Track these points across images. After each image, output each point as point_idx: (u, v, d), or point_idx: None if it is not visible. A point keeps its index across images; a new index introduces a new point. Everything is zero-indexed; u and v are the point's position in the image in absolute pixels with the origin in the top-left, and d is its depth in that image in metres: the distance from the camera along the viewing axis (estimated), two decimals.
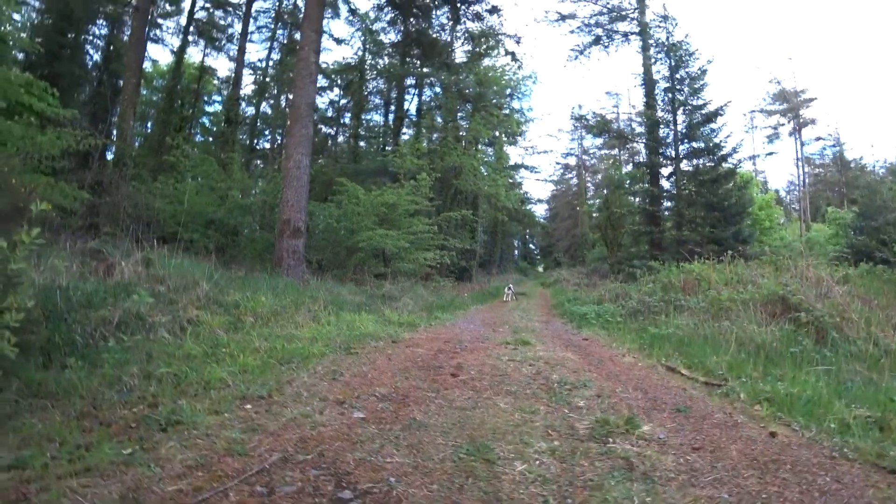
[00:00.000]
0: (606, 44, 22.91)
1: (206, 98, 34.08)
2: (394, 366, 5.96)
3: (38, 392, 3.72)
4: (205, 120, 35.23)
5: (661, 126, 20.24)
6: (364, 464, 3.08)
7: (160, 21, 29.54)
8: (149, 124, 33.18)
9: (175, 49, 29.44)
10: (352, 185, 15.18)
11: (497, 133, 27.85)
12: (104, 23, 25.85)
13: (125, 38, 23.22)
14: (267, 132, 36.03)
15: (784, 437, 3.95)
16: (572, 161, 39.15)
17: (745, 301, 8.70)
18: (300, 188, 12.31)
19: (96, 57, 25.97)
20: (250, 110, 31.76)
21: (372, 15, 25.26)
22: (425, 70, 23.10)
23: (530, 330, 10.08)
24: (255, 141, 34.44)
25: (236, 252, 12.76)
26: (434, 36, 17.70)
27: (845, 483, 3.06)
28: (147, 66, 31.63)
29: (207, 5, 28.52)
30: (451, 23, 18.14)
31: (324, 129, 34.83)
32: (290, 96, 31.96)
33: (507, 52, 18.93)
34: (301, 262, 12.03)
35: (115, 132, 15.37)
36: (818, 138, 33.38)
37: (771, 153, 39.45)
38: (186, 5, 27.74)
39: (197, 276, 8.06)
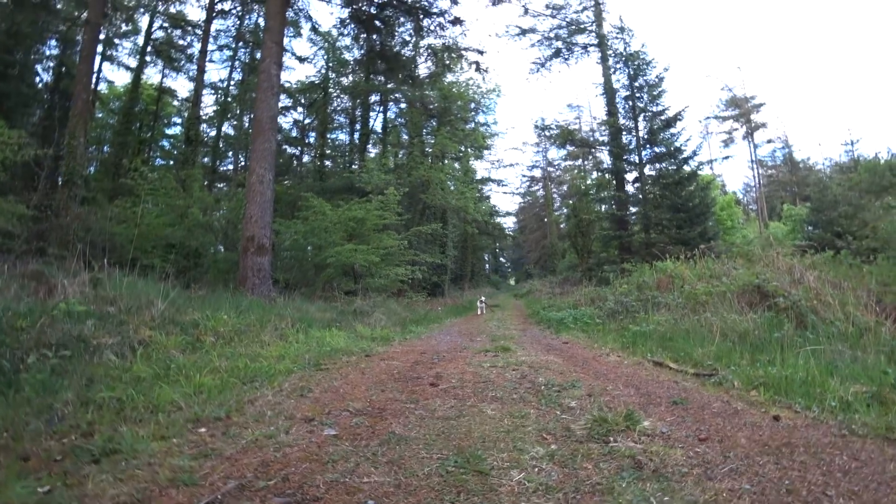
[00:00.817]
0: (566, 56, 23.36)
1: (165, 120, 33.05)
2: (368, 379, 5.55)
3: None
4: (165, 143, 34.06)
5: (624, 133, 20.61)
6: (336, 486, 2.67)
7: (116, 41, 28.65)
8: (105, 148, 31.85)
9: (132, 69, 28.56)
10: (318, 201, 14.71)
11: (463, 148, 27.89)
12: (55, 43, 24.84)
13: (77, 58, 22.36)
14: (230, 154, 35.11)
15: (788, 419, 3.77)
16: (538, 173, 39.60)
17: (721, 293, 8.65)
18: (264, 203, 11.80)
19: (47, 77, 24.89)
20: (212, 132, 30.93)
21: (335, 32, 25.09)
22: (390, 85, 22.96)
23: (509, 337, 9.79)
24: (218, 162, 33.48)
25: (199, 274, 12.08)
26: (397, 50, 17.56)
27: (863, 460, 2.90)
28: (102, 87, 30.55)
29: (165, 25, 27.83)
30: (414, 38, 18.05)
31: (288, 149, 34.21)
32: (253, 116, 31.38)
33: (471, 64, 18.91)
34: (267, 280, 11.46)
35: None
36: (769, 140, 34.87)
37: (727, 157, 40.98)
38: (144, 25, 27.02)
39: (152, 296, 7.45)
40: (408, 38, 17.57)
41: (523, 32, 22.59)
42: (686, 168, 19.26)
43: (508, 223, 45.34)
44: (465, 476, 2.80)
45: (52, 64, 24.46)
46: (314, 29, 25.37)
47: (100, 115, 30.14)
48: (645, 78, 20.40)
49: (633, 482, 2.64)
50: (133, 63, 28.44)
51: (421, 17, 14.91)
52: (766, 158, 36.48)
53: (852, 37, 76.37)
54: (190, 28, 27.71)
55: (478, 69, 17.80)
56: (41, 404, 3.61)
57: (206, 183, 21.24)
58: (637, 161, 19.96)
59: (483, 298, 20.38)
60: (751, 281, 8.38)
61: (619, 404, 4.15)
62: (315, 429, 3.66)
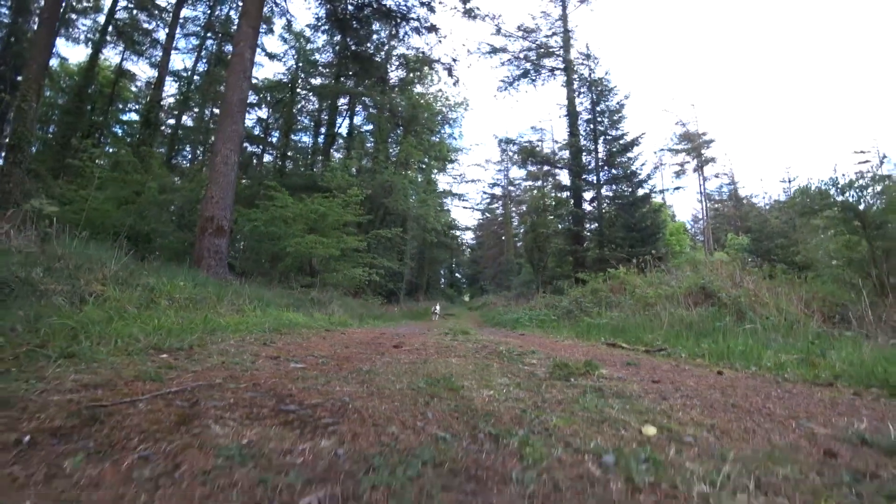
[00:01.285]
0: (534, 77, 24.26)
1: (120, 105, 31.53)
2: (330, 342, 5.55)
3: None
4: (118, 129, 32.34)
5: (584, 153, 21.51)
6: (309, 390, 2.71)
7: (74, 17, 27.35)
8: (51, 128, 29.99)
9: (89, 48, 27.22)
10: (281, 194, 14.49)
11: (427, 159, 28.22)
12: (6, 11, 23.48)
13: (32, 27, 21.27)
14: (186, 148, 33.89)
15: (729, 374, 4.10)
16: (498, 191, 40.53)
17: (669, 295, 9.14)
18: (227, 185, 11.54)
19: None
20: (170, 121, 29.80)
21: (308, 32, 25.07)
22: (360, 89, 23.08)
23: (466, 330, 9.92)
24: (174, 157, 32.25)
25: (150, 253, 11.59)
26: (371, 52, 17.76)
27: (794, 392, 3.26)
28: (54, 63, 28.84)
29: (130, 5, 26.83)
30: (388, 43, 18.34)
31: (249, 147, 33.44)
32: (215, 109, 30.53)
33: (444, 68, 19.33)
34: (223, 262, 11.15)
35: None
36: (716, 175, 37.26)
37: (678, 188, 43.31)
38: (107, 2, 25.96)
39: (104, 258, 7.13)
40: (382, 43, 17.83)
41: (494, 51, 23.35)
42: (641, 191, 20.25)
43: (467, 237, 45.97)
44: (437, 389, 2.90)
45: (1, 33, 23.12)
46: (288, 25, 25.28)
47: (48, 94, 28.49)
48: (606, 104, 21.46)
49: (595, 398, 2.82)
50: (90, 41, 27.18)
51: (399, 20, 15.20)
52: (713, 192, 38.93)
53: (796, 79, 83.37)
54: (157, 12, 26.88)
55: (450, 74, 18.30)
56: None
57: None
58: (595, 181, 20.84)
59: (438, 306, 20.47)
60: (696, 282, 8.92)
61: (577, 360, 4.35)
62: (282, 364, 3.65)
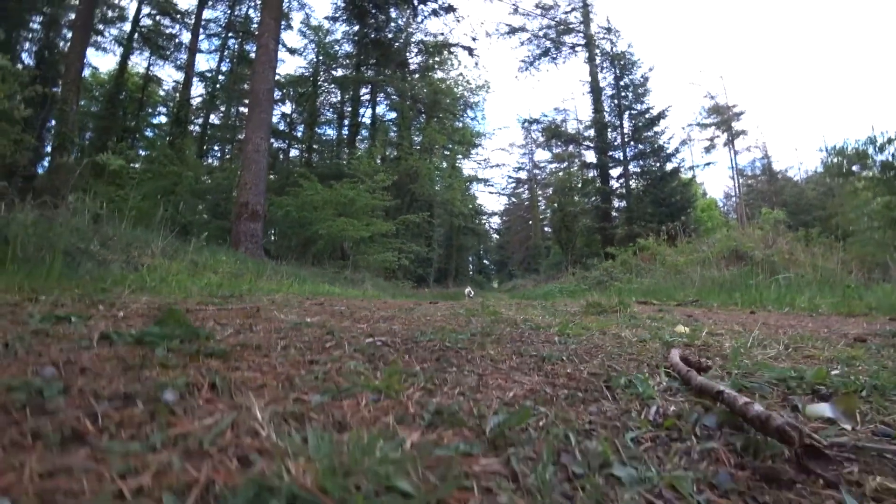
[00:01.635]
0: (555, 55, 24.00)
1: (149, 109, 32.65)
2: (368, 302, 5.78)
3: None
4: (148, 132, 33.49)
5: (609, 129, 21.24)
6: (357, 315, 2.94)
7: (102, 27, 28.37)
8: (87, 136, 31.25)
9: (118, 56, 28.23)
10: (310, 183, 14.85)
11: (451, 145, 28.31)
12: (39, 27, 24.53)
13: (62, 43, 22.19)
14: (216, 148, 34.78)
15: (762, 314, 4.14)
16: (524, 175, 40.33)
17: (700, 259, 9.08)
18: (259, 172, 11.94)
19: (29, 61, 24.49)
20: (199, 121, 30.67)
21: (326, 24, 25.38)
22: (381, 77, 23.28)
23: (497, 305, 10.09)
24: (204, 155, 33.16)
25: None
26: (391, 38, 17.91)
27: (826, 321, 3.31)
28: (86, 73, 29.99)
29: (153, 12, 27.71)
30: (406, 26, 18.43)
31: (275, 143, 34.10)
32: (241, 108, 31.30)
33: (464, 48, 19.32)
34: (259, 246, 11.57)
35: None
36: (748, 148, 36.12)
37: (709, 163, 42.18)
38: (131, 12, 26.89)
39: (150, 238, 7.62)
40: (401, 29, 17.92)
41: (513, 31, 23.19)
42: (669, 165, 19.92)
43: (493, 223, 45.95)
44: (476, 313, 3.09)
45: (35, 47, 24.16)
46: (306, 19, 25.63)
47: (82, 103, 29.67)
48: (630, 77, 21.10)
49: (629, 319, 2.96)
50: (118, 50, 28.18)
51: (416, 3, 15.28)
52: (746, 168, 37.78)
53: (830, 46, 79.60)
54: (179, 16, 27.64)
55: (470, 54, 18.24)
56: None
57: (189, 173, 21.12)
58: (622, 157, 20.57)
59: (470, 288, 20.65)
60: (728, 246, 8.84)
61: (610, 300, 4.47)
62: (326, 306, 3.89)
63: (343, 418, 0.86)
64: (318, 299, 4.91)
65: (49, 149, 16.61)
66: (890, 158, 10.90)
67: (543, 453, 0.73)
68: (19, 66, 23.02)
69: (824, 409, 1.15)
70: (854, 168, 11.68)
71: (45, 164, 16.34)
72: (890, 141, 10.86)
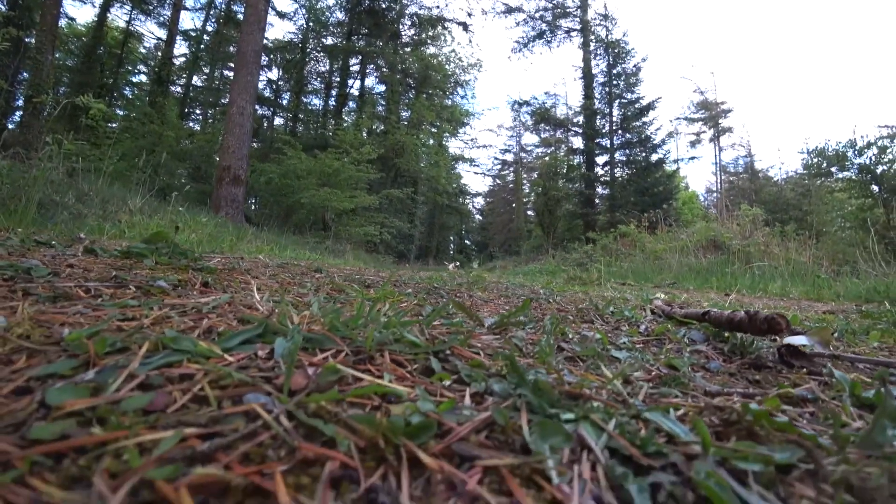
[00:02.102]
0: (549, 39, 23.78)
1: (129, 67, 31.38)
2: (351, 267, 5.76)
3: None
4: (127, 91, 32.27)
5: (598, 117, 21.26)
6: (345, 271, 2.92)
7: None
8: (61, 90, 29.89)
9: (97, 7, 26.95)
10: (295, 151, 14.57)
11: (439, 122, 28.00)
12: None
13: None
14: (197, 111, 33.74)
15: (737, 296, 4.25)
16: (510, 157, 40.28)
17: (679, 247, 9.24)
18: (242, 135, 11.66)
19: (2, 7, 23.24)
20: (181, 82, 29.63)
21: None
22: (372, 49, 22.81)
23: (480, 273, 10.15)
24: (185, 119, 32.16)
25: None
26: (384, 7, 17.49)
27: (801, 304, 3.41)
28: (62, 24, 28.55)
29: None
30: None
31: (260, 110, 33.23)
32: (226, 71, 30.37)
33: (458, 23, 19.00)
34: (240, 211, 11.36)
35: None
36: (733, 145, 36.60)
37: (693, 157, 42.65)
38: None
39: (128, 196, 7.43)
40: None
41: (510, 10, 22.89)
42: (654, 156, 20.10)
43: (477, 203, 45.94)
44: (462, 274, 3.09)
45: None
46: None
47: (57, 55, 28.33)
48: (623, 66, 21.09)
49: (612, 289, 3.00)
50: (98, 1, 26.88)
51: None
52: (729, 164, 38.32)
53: (819, 50, 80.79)
54: None
55: (465, 29, 17.93)
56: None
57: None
58: (608, 145, 20.67)
59: (457, 262, 20.70)
60: (706, 235, 9.01)
61: (591, 276, 4.53)
62: (311, 268, 3.86)
63: (341, 306, 0.86)
64: (299, 262, 4.86)
65: (21, 102, 15.90)
66: (867, 162, 11.20)
67: (543, 337, 0.74)
68: None
69: (801, 339, 1.19)
70: (833, 169, 11.98)
71: (17, 118, 15.66)
72: (869, 145, 11.14)
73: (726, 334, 1.04)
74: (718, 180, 36.78)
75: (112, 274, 0.96)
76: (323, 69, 31.36)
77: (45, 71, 13.14)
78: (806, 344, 1.19)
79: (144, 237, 1.62)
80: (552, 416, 0.44)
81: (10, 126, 14.56)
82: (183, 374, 0.48)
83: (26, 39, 19.83)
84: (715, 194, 37.11)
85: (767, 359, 0.89)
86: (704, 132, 34.83)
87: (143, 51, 32.96)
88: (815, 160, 12.60)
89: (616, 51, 21.49)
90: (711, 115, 33.79)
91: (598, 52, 22.05)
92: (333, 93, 29.88)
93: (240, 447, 0.36)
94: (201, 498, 0.30)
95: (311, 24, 29.10)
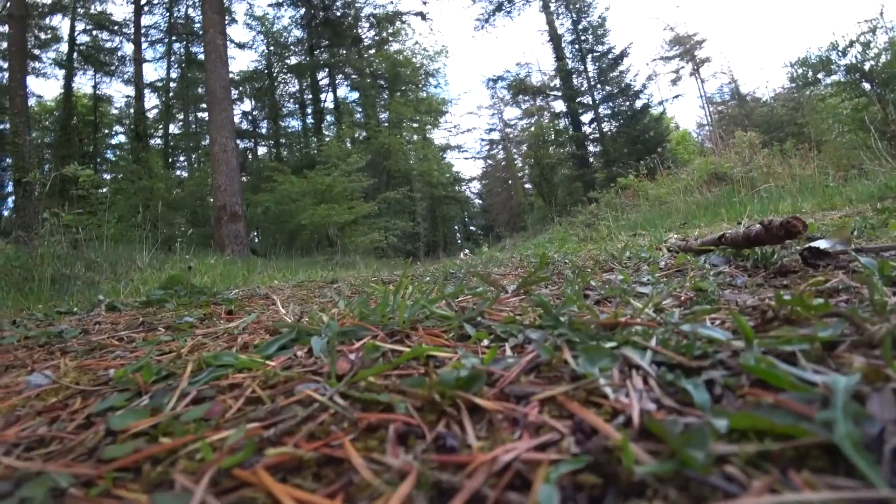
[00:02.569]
0: (509, 9, 23.52)
1: (105, 130, 31.52)
2: (367, 274, 5.79)
3: None
4: (109, 154, 32.38)
5: (574, 75, 21.06)
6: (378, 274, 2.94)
7: (38, 52, 27.09)
8: (46, 168, 30.07)
9: (61, 79, 27.06)
10: (284, 175, 14.61)
11: (418, 116, 27.89)
12: None
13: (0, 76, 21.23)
14: (181, 158, 33.82)
15: (749, 222, 4.22)
16: (496, 136, 40.05)
17: (682, 188, 9.17)
18: (230, 172, 11.70)
19: None
20: (159, 135, 29.74)
21: (271, 12, 24.57)
22: (336, 59, 22.73)
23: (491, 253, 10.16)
24: (171, 168, 32.27)
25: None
26: (340, 14, 17.38)
27: (815, 216, 3.37)
28: (31, 103, 28.67)
29: (89, 27, 26.49)
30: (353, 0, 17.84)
31: (241, 143, 33.25)
32: (199, 113, 30.46)
33: (415, 14, 18.87)
34: (245, 246, 11.44)
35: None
36: (714, 75, 36.11)
37: (677, 96, 42.11)
38: (65, 31, 25.68)
39: (133, 254, 7.53)
40: (349, 3, 17.38)
41: None
42: (638, 103, 19.90)
43: (473, 188, 45.77)
44: (474, 258, 3.09)
45: None
46: (250, 11, 24.75)
47: (34, 134, 28.48)
48: (588, 20, 20.85)
49: (624, 241, 2.99)
50: (60, 74, 26.98)
51: None
52: (714, 95, 37.76)
53: None
54: (117, 27, 26.44)
55: (423, 18, 17.79)
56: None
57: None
58: (590, 102, 20.49)
59: (467, 249, 20.72)
60: (707, 170, 8.93)
61: (601, 232, 4.52)
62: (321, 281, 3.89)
63: (365, 304, 0.87)
64: (315, 280, 4.90)
65: (10, 187, 16.03)
66: (854, 61, 10.98)
67: (569, 287, 0.75)
68: None
69: (821, 242, 1.18)
70: (819, 76, 11.78)
71: (10, 204, 15.81)
72: (851, 43, 10.92)
73: (746, 252, 1.03)
74: (707, 113, 36.34)
75: (139, 321, 0.98)
76: (293, 90, 31.31)
77: (27, 151, 13.27)
78: (828, 245, 1.19)
79: (160, 284, 1.65)
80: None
81: (5, 213, 14.76)
82: (231, 384, 0.50)
83: (0, 126, 19.99)
84: (707, 127, 36.72)
85: (791, 265, 0.89)
86: (683, 67, 34.31)
87: (115, 111, 33.05)
88: (801, 71, 12.39)
89: (578, 6, 21.25)
90: (686, 49, 33.28)
91: (560, 11, 21.82)
92: (309, 111, 29.84)
93: (303, 429, 0.37)
94: (280, 475, 0.32)
95: (271, 48, 29.02)
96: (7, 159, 15.23)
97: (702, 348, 0.42)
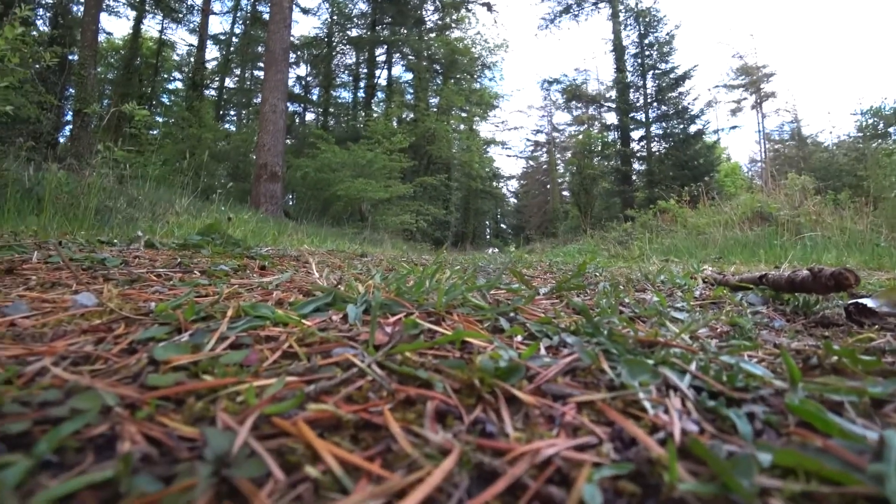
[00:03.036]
0: (577, 12, 23.13)
1: (164, 75, 32.43)
2: (392, 254, 5.84)
3: None
4: (165, 98, 33.36)
5: (632, 90, 20.60)
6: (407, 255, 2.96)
7: None
8: (105, 102, 31.15)
9: (131, 20, 27.90)
10: (328, 144, 14.78)
11: (468, 106, 27.77)
12: None
13: (75, 8, 21.98)
14: (231, 112, 34.59)
15: (789, 268, 4.08)
16: (542, 138, 39.58)
17: (724, 221, 8.91)
18: (276, 133, 11.91)
19: (44, 28, 24.35)
20: (214, 85, 30.45)
21: None
22: (396, 37, 22.78)
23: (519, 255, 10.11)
24: (221, 121, 33.01)
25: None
26: None
27: (860, 273, 3.23)
28: (101, 39, 29.67)
29: None
30: None
31: (291, 106, 33.77)
32: (255, 71, 31.01)
33: (482, 4, 18.71)
34: (279, 206, 11.66)
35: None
36: (777, 111, 34.77)
37: (734, 127, 40.84)
38: None
39: (173, 198, 7.80)
40: None
41: None
42: (693, 128, 19.37)
43: (511, 186, 45.49)
44: (502, 255, 3.08)
45: (48, 13, 23.97)
46: None
47: (98, 69, 29.49)
48: (655, 35, 20.32)
49: (655, 264, 2.94)
50: (132, 15, 27.81)
51: None
52: (774, 132, 36.37)
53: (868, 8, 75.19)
54: None
55: (489, 10, 17.65)
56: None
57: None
58: (643, 119, 20.03)
59: (495, 248, 20.68)
60: (752, 206, 8.65)
61: (632, 252, 4.44)
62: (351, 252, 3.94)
63: (403, 280, 0.88)
64: (342, 252, 4.97)
65: (69, 117, 16.73)
66: None
67: (603, 299, 0.74)
68: (34, 33, 22.85)
69: (868, 300, 1.14)
70: (890, 130, 11.24)
71: (66, 132, 16.50)
72: None
73: (786, 297, 1.00)
74: (762, 149, 35.11)
75: (176, 261, 1.01)
76: (350, 62, 31.58)
77: (90, 85, 13.76)
78: (874, 304, 1.14)
79: (199, 230, 1.70)
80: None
81: (61, 139, 15.39)
82: (268, 335, 0.51)
83: (70, 57, 20.76)
84: (759, 164, 35.44)
85: (834, 318, 0.86)
86: (745, 99, 33.18)
87: (176, 58, 33.96)
88: (871, 121, 11.85)
89: (647, 19, 20.70)
90: (752, 80, 32.13)
91: (629, 23, 21.29)
92: (362, 84, 30.08)
93: (341, 391, 0.39)
94: (319, 431, 0.33)
95: (335, 17, 29.27)
96: (70, 89, 15.86)
97: (744, 382, 0.42)
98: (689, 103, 19.73)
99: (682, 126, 19.68)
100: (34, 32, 18.29)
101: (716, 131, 30.99)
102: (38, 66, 8.70)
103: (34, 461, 0.30)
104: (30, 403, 0.35)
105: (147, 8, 28.93)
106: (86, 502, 0.27)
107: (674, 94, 19.96)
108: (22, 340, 0.50)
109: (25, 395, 0.37)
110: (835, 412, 0.37)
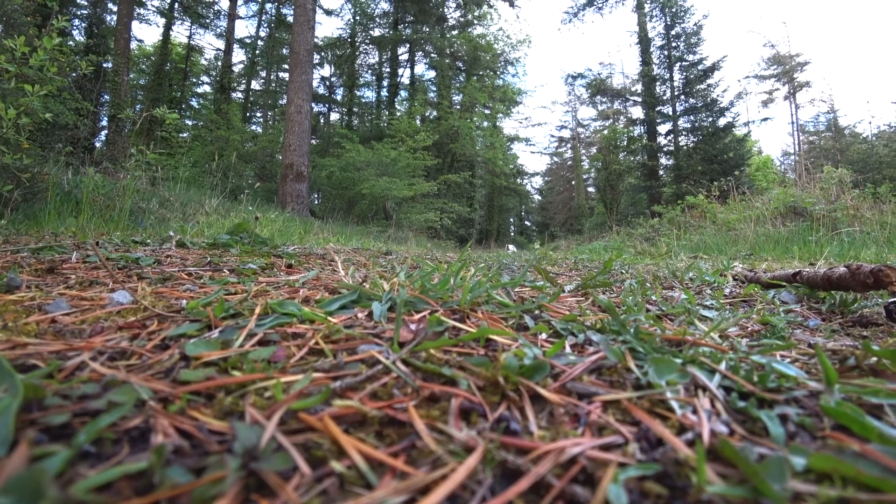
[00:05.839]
0: (601, 5, 22.76)
1: (193, 79, 33.32)
2: (418, 252, 5.87)
3: None
4: (194, 102, 34.32)
5: (658, 83, 20.18)
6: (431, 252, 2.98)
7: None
8: (138, 107, 32.16)
9: (161, 27, 28.73)
10: (352, 144, 14.95)
11: (491, 103, 27.66)
12: (85, 1, 25.16)
13: (108, 17, 22.73)
14: (258, 114, 35.29)
15: (824, 265, 3.94)
16: (567, 133, 39.12)
17: (755, 217, 8.66)
18: (302, 133, 12.10)
19: (80, 38, 25.27)
20: (241, 88, 31.14)
21: None
22: (419, 35, 22.84)
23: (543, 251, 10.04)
24: (247, 123, 33.72)
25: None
26: None
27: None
28: (132, 47, 30.68)
29: None
30: None
31: (315, 107, 34.26)
32: (281, 74, 31.58)
33: (505, 0, 18.58)
34: (305, 206, 11.84)
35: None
36: (811, 101, 33.48)
37: (766, 119, 39.58)
38: None
39: (203, 199, 8.02)
40: None
41: None
42: (722, 120, 18.87)
43: (535, 183, 45.13)
44: (525, 253, 3.06)
45: (83, 24, 24.89)
46: None
47: (131, 76, 30.50)
48: (682, 26, 19.84)
49: (683, 261, 2.87)
50: (161, 21, 28.64)
51: None
52: (808, 123, 35.04)
53: None
54: None
55: (511, 5, 17.51)
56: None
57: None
58: (671, 113, 19.60)
59: (511, 246, 20.57)
60: (785, 201, 8.38)
61: (660, 249, 4.35)
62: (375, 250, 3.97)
63: (428, 278, 0.88)
64: (368, 249, 5.02)
65: (104, 122, 17.35)
66: None
67: (630, 297, 0.73)
68: (71, 43, 23.70)
69: None
70: None
71: (102, 137, 17.15)
72: None
73: (821, 295, 0.96)
74: (796, 141, 33.88)
75: (206, 260, 1.04)
76: (373, 61, 31.85)
77: (123, 91, 14.23)
78: None
79: (228, 229, 1.74)
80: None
81: (97, 144, 15.99)
82: (295, 332, 0.52)
83: (104, 64, 21.49)
84: (793, 157, 34.24)
85: (873, 317, 0.82)
86: (778, 90, 32.05)
87: (204, 62, 34.89)
88: None
89: (673, 10, 20.23)
90: (785, 70, 31.03)
91: (654, 14, 20.85)
92: (385, 83, 30.31)
93: (367, 387, 0.39)
94: (344, 427, 0.34)
95: (357, 17, 29.53)
96: (105, 96, 16.47)
97: (776, 382, 0.40)
98: (717, 95, 19.23)
99: (710, 119, 19.19)
100: (71, 42, 18.99)
101: (746, 124, 30.12)
102: (74, 74, 9.04)
103: (74, 451, 0.31)
104: (70, 396, 0.37)
105: (176, 15, 29.76)
106: (122, 491, 0.29)
107: (702, 87, 19.47)
108: (62, 336, 0.53)
109: (66, 388, 0.39)
110: (873, 416, 0.36)
